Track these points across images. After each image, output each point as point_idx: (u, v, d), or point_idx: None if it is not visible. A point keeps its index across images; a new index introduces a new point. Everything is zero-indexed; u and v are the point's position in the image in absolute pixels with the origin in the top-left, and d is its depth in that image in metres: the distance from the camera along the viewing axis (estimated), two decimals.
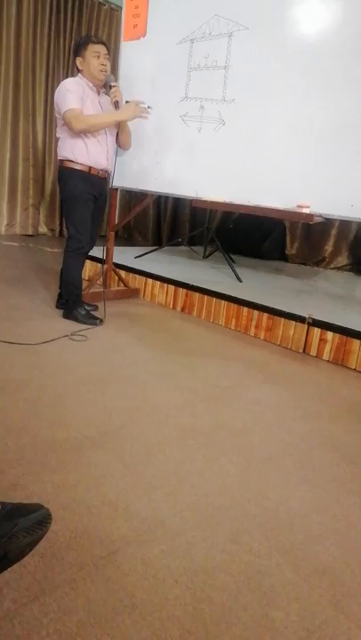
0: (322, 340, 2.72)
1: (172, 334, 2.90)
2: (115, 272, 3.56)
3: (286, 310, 2.86)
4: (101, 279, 3.37)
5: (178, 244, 5.20)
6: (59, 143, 2.76)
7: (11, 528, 0.93)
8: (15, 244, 5.23)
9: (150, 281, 3.58)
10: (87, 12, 5.89)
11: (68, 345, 2.45)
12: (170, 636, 0.94)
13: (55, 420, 1.68)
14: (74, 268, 2.87)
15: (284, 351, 2.80)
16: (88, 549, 1.12)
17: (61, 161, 2.75)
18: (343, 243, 5.33)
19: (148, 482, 1.40)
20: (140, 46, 3.10)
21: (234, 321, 3.10)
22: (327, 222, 4.93)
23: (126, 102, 2.80)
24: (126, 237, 6.84)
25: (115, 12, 6.06)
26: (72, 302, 2.87)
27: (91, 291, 3.22)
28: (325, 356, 2.71)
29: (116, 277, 3.60)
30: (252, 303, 3.00)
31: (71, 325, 2.74)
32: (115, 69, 3.16)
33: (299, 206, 2.48)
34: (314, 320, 2.74)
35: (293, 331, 2.82)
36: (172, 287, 3.44)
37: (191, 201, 3.00)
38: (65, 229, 6.17)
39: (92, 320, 2.83)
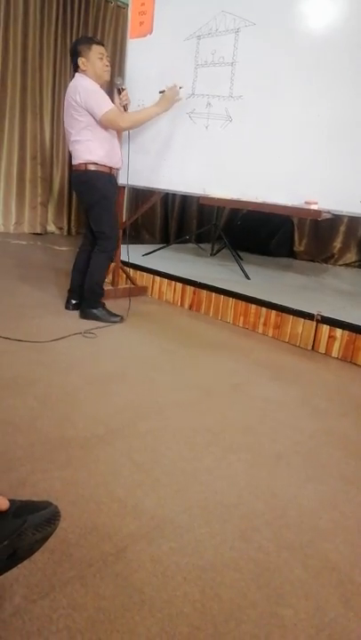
0: (331, 337, 2.70)
1: (179, 332, 2.90)
2: (123, 270, 3.57)
3: (295, 307, 2.85)
4: (110, 277, 3.39)
5: (185, 242, 5.19)
6: (79, 146, 2.70)
7: (20, 525, 0.94)
8: (24, 242, 5.25)
9: (158, 279, 3.58)
10: (94, 10, 5.89)
11: (77, 343, 2.46)
12: (179, 633, 0.94)
13: (64, 418, 1.69)
14: (105, 268, 2.93)
15: (292, 348, 2.79)
16: (97, 546, 1.13)
17: (85, 164, 2.71)
18: (352, 239, 5.29)
19: (157, 479, 1.41)
20: (147, 44, 3.09)
21: (242, 318, 3.09)
22: (336, 219, 4.90)
23: (160, 92, 2.85)
24: (134, 235, 6.85)
25: (121, 9, 6.05)
26: (94, 302, 2.88)
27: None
28: (334, 353, 2.69)
29: (124, 275, 3.60)
30: (261, 300, 2.99)
31: (81, 323, 2.75)
32: (121, 67, 3.16)
33: (307, 203, 2.46)
34: (323, 317, 2.73)
35: (302, 328, 2.80)
36: (179, 285, 3.44)
37: (198, 198, 3.00)
38: (73, 228, 6.21)
39: (115, 317, 2.86)
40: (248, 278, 3.67)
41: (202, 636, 0.94)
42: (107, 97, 2.67)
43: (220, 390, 2.10)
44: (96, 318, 2.84)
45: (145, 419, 1.76)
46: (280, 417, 1.90)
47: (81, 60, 2.65)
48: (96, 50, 2.64)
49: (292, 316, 2.84)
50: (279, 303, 2.92)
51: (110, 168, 2.79)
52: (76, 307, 2.98)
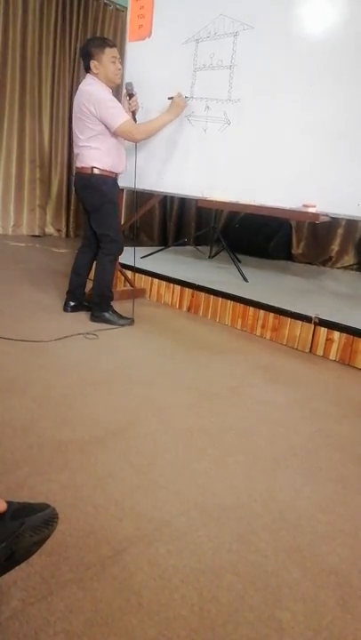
0: (328, 340, 2.71)
1: (177, 334, 2.90)
2: (121, 272, 3.57)
3: (293, 310, 2.85)
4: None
5: (184, 244, 5.20)
6: (86, 152, 2.69)
7: (17, 527, 0.94)
8: (22, 244, 5.25)
9: (156, 281, 3.59)
10: (93, 12, 5.91)
11: (75, 344, 2.46)
12: (176, 636, 0.94)
13: (62, 420, 1.69)
14: (111, 270, 2.95)
15: (290, 351, 2.79)
16: (95, 549, 1.12)
17: (91, 168, 2.71)
18: (350, 242, 5.30)
19: (155, 482, 1.40)
20: (146, 47, 3.10)
21: (240, 321, 3.09)
22: (334, 221, 4.92)
23: (170, 98, 2.86)
24: (132, 237, 6.85)
25: (120, 12, 6.06)
26: (105, 305, 2.89)
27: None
28: (332, 355, 2.70)
29: (123, 277, 3.60)
30: (259, 303, 3.00)
31: (79, 325, 2.75)
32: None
33: (305, 206, 2.47)
34: (320, 320, 2.73)
35: (300, 330, 2.81)
36: (178, 287, 3.44)
37: (197, 201, 3.01)
38: (71, 231, 6.20)
39: (125, 320, 2.88)
40: (246, 281, 3.68)
41: None
42: (120, 106, 2.67)
43: (218, 393, 2.10)
44: (107, 321, 2.85)
45: (143, 421, 1.76)
46: (278, 419, 1.90)
47: (93, 63, 2.62)
48: (109, 53, 2.62)
49: (289, 319, 2.85)
50: (277, 306, 2.92)
51: (115, 173, 2.81)
52: (74, 309, 2.98)
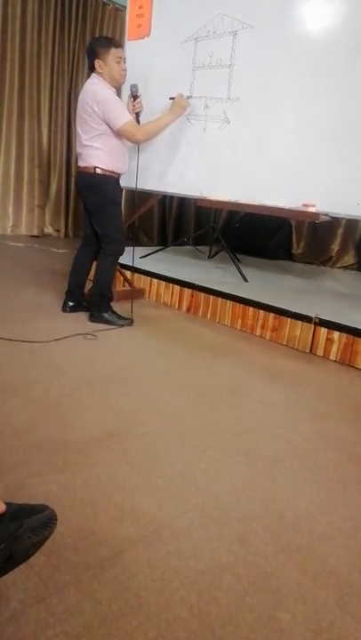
0: (329, 340, 2.70)
1: (177, 335, 2.89)
2: (120, 272, 3.56)
3: (293, 310, 2.85)
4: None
5: (183, 244, 5.19)
6: (89, 151, 2.69)
7: (16, 529, 0.93)
8: (21, 244, 5.24)
9: (155, 281, 3.58)
10: (91, 12, 5.90)
11: (74, 345, 2.45)
12: (176, 638, 0.93)
13: (61, 421, 1.69)
14: (112, 271, 2.95)
15: (290, 351, 2.79)
16: (94, 550, 1.12)
17: (93, 168, 2.70)
18: (350, 242, 5.30)
19: (154, 483, 1.40)
20: (145, 46, 3.10)
21: (239, 321, 3.09)
22: (334, 221, 4.90)
23: (171, 99, 2.85)
24: (131, 237, 6.84)
25: (119, 11, 6.05)
26: (104, 306, 2.89)
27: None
28: (332, 356, 2.69)
29: (122, 278, 3.60)
30: (258, 303, 2.99)
31: (78, 325, 2.74)
32: None
33: (305, 205, 2.47)
34: (320, 320, 2.73)
35: (300, 331, 2.80)
36: (177, 287, 3.44)
37: (196, 200, 3.00)
38: (70, 231, 6.20)
39: (124, 320, 2.88)
40: (246, 281, 3.67)
41: None
42: (124, 106, 2.67)
43: (218, 393, 2.09)
44: (106, 322, 2.84)
45: (142, 422, 1.76)
46: (277, 420, 1.90)
47: (98, 63, 2.61)
48: (114, 53, 2.61)
49: (289, 319, 2.84)
50: (277, 306, 2.91)
51: (118, 174, 2.81)
52: (73, 309, 2.97)
